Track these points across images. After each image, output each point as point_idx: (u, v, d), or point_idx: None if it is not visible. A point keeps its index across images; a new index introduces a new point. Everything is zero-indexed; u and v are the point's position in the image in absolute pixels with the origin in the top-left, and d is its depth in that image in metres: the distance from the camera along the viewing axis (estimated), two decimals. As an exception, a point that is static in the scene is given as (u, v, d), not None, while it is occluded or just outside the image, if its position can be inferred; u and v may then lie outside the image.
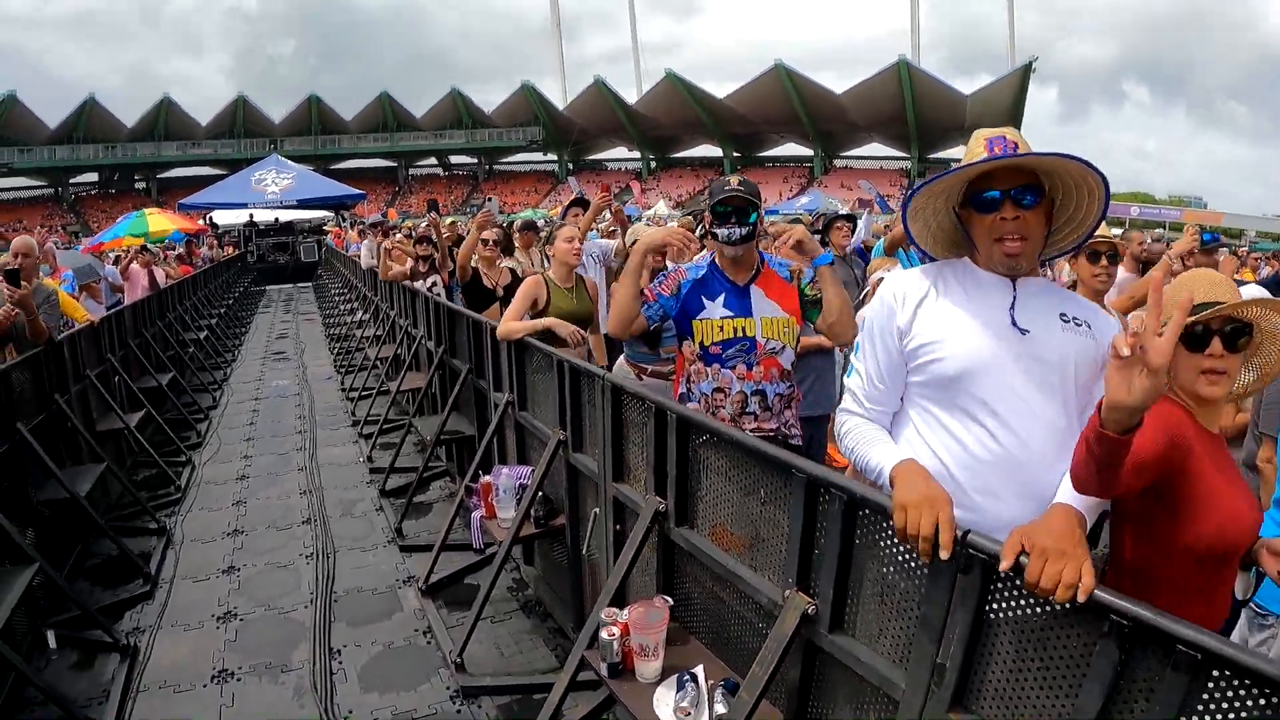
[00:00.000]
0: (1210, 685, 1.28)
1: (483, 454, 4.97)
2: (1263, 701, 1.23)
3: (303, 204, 26.47)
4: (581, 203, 6.41)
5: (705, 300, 3.19)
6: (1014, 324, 1.88)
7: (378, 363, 9.06)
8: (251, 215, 25.87)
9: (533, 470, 4.06)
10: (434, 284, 7.37)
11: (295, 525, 5.82)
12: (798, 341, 3.23)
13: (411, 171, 75.14)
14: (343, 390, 10.01)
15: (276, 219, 26.52)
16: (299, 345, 13.90)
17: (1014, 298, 1.91)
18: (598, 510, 3.50)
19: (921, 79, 55.26)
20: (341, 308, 15.36)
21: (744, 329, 3.14)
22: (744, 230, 3.14)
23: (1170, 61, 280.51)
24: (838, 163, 66.34)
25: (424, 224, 8.51)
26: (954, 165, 1.95)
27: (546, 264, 5.19)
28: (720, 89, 61.79)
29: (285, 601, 4.68)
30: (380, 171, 72.02)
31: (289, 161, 30.95)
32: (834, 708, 2.17)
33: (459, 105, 68.46)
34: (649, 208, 37.99)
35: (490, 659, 4.04)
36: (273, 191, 26.13)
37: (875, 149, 65.73)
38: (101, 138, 62.44)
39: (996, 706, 1.65)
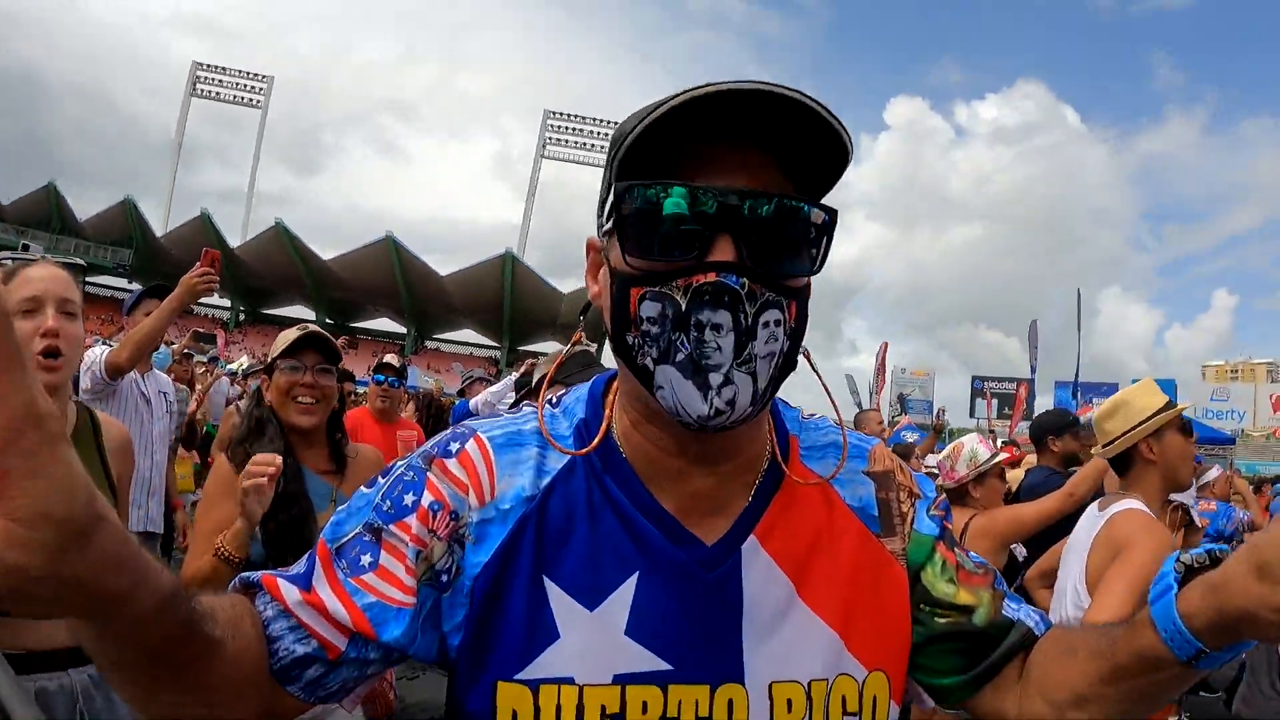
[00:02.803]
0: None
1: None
2: None
3: None
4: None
5: (552, 599, 0.86)
6: None
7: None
8: None
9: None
10: None
11: None
12: None
13: (-25, 265, 61.81)
14: None
15: None
16: None
17: None
18: None
19: (524, 273, 57.87)
20: None
21: None
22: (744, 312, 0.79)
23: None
24: (429, 343, 67.00)
25: None
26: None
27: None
28: (326, 252, 60.63)
29: None
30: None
31: None
32: None
33: (52, 203, 59.01)
34: (231, 360, 33.83)
35: None
36: None
37: (468, 334, 67.47)
38: None
39: None
